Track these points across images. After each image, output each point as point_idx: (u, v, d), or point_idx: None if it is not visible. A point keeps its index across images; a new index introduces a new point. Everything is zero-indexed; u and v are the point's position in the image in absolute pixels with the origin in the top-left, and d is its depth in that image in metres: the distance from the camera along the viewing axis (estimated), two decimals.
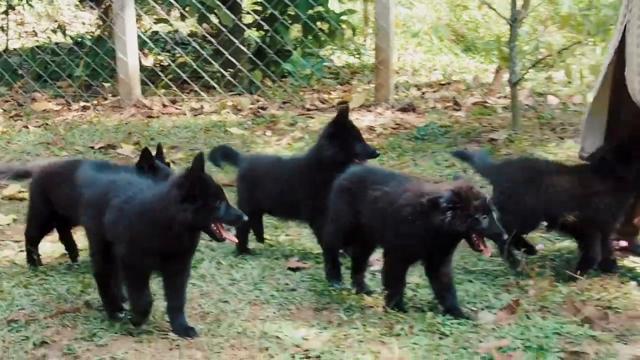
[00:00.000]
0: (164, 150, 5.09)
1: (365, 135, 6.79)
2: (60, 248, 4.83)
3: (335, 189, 4.17)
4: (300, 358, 3.60)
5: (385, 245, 4.04)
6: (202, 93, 8.27)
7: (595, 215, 4.31)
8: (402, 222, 3.85)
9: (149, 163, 4.39)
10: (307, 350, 3.65)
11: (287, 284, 4.34)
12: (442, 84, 8.67)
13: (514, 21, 6.77)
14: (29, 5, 10.25)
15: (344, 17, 8.93)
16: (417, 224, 3.79)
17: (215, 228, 3.61)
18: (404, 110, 7.55)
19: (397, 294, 3.95)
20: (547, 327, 3.69)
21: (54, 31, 10.00)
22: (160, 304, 3.97)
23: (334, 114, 7.45)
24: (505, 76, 7.24)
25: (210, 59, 8.70)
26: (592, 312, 3.87)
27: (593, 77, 6.77)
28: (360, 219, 4.04)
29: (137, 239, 3.66)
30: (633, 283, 4.20)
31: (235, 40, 8.29)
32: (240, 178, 4.93)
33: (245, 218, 3.68)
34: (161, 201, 3.60)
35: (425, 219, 3.76)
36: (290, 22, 8.60)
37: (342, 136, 4.59)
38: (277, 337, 3.77)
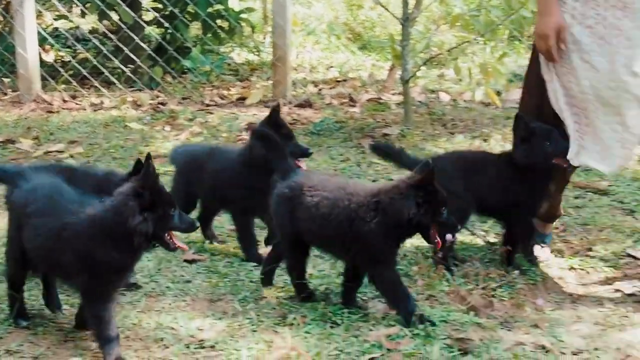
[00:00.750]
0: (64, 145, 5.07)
1: None
2: None
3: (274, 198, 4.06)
4: (195, 348, 3.64)
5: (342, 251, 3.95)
6: (102, 89, 8.21)
7: (518, 200, 4.45)
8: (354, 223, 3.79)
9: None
10: (201, 340, 3.71)
11: (182, 276, 4.40)
12: (339, 81, 8.74)
13: (406, 20, 6.87)
14: None
15: (243, 15, 8.94)
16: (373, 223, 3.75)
17: (168, 237, 3.46)
18: (301, 106, 7.60)
19: None
20: (435, 315, 3.81)
21: None
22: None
23: (232, 110, 7.53)
24: (399, 74, 7.32)
25: (110, 55, 8.65)
26: (477, 301, 4.00)
27: (482, 75, 6.92)
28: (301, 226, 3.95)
29: (98, 263, 3.40)
30: (516, 272, 4.34)
31: (135, 37, 8.27)
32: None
33: (198, 225, 3.64)
34: (117, 215, 3.35)
35: (384, 217, 3.74)
36: (190, 19, 8.59)
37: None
38: (172, 328, 3.81)
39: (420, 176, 3.73)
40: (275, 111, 4.68)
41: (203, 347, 3.64)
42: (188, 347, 3.64)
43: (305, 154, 4.71)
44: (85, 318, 3.58)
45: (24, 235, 3.58)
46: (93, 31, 9.50)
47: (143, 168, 3.38)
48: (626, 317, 3.95)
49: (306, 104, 7.72)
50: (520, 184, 4.43)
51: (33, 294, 4.04)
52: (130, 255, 3.44)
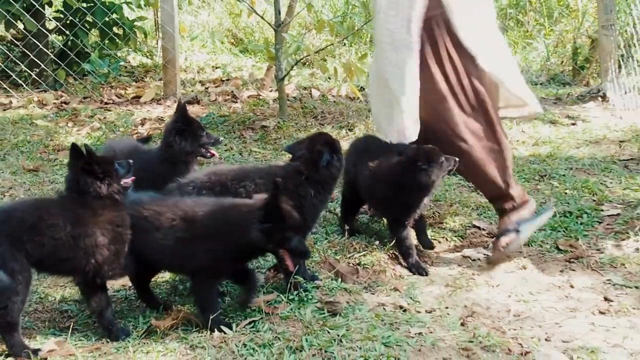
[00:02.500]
0: None
1: (155, 125, 6.78)
2: None
3: None
4: (95, 318, 3.55)
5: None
6: (10, 90, 7.98)
7: None
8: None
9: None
10: None
11: None
12: (223, 80, 8.68)
13: (279, 27, 6.83)
14: None
15: (137, 23, 8.83)
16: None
17: None
18: (189, 102, 7.48)
19: None
20: (307, 282, 3.77)
21: None
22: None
23: (129, 107, 7.42)
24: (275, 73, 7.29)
25: (17, 60, 8.45)
26: (344, 268, 4.01)
27: (346, 73, 6.92)
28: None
29: None
30: (377, 242, 4.34)
31: (39, 44, 8.08)
32: None
33: None
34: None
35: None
36: (88, 27, 8.41)
37: (188, 129, 4.46)
38: (76, 301, 3.78)
39: (263, 200, 3.38)
40: (182, 108, 4.54)
41: None
42: (90, 317, 3.56)
43: (217, 142, 4.67)
44: None
45: None
46: (1, 39, 9.28)
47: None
48: (472, 279, 4.02)
49: (194, 101, 7.64)
50: None
51: None
52: None
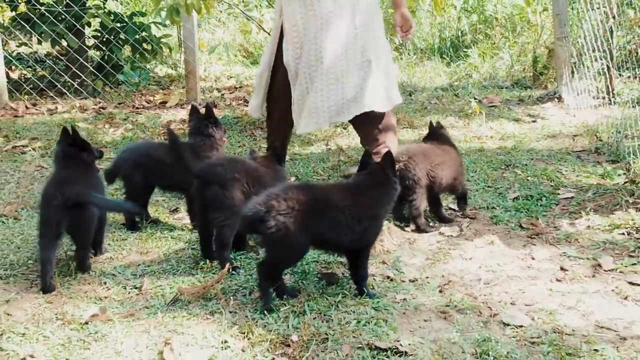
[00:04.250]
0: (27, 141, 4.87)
1: (179, 126, 6.77)
2: None
3: None
4: (130, 289, 3.58)
5: None
6: (56, 98, 7.96)
7: None
8: None
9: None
10: (135, 283, 3.63)
11: (120, 235, 4.28)
12: (236, 87, 8.66)
13: None
14: None
15: (163, 40, 8.80)
16: None
17: None
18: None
19: None
20: (308, 257, 3.79)
21: None
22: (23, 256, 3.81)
23: (156, 111, 7.41)
24: None
25: (61, 72, 8.45)
26: None
27: None
28: None
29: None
30: None
31: (80, 58, 8.08)
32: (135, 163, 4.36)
33: None
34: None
35: None
36: (122, 44, 8.39)
37: (217, 122, 4.49)
38: (113, 275, 3.75)
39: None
40: (209, 108, 4.52)
41: (136, 288, 3.58)
42: (125, 288, 3.57)
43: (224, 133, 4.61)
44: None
45: None
46: (48, 54, 9.27)
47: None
48: (448, 253, 4.02)
49: (212, 105, 7.62)
50: None
51: (4, 249, 3.88)
52: None
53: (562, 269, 3.75)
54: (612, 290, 3.49)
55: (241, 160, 4.00)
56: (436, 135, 4.74)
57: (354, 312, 3.26)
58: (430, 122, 4.84)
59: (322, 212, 3.29)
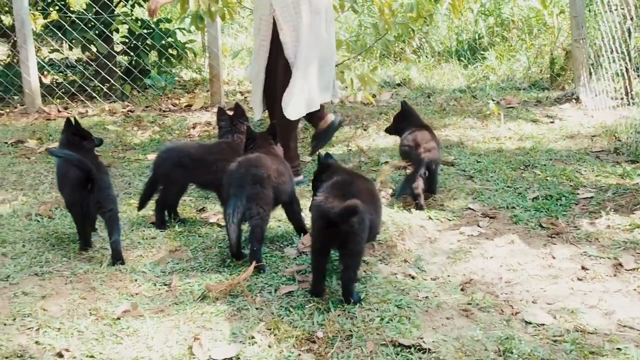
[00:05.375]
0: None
1: (204, 128, 6.78)
2: None
3: None
4: (159, 285, 3.58)
5: None
6: (86, 102, 8.01)
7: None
8: None
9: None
10: (164, 280, 3.64)
11: (149, 234, 4.27)
12: None
13: None
14: None
15: (188, 45, 8.84)
16: None
17: None
18: (231, 109, 7.47)
19: None
20: (331, 257, 3.74)
21: None
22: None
23: (182, 114, 7.44)
24: None
25: (91, 77, 8.50)
26: None
27: (360, 83, 6.90)
28: None
29: None
30: (389, 221, 4.31)
31: (109, 63, 8.14)
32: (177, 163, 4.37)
33: None
34: None
35: None
36: (149, 49, 8.44)
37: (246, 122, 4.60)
38: (143, 272, 3.75)
39: None
40: (239, 107, 4.68)
41: (166, 284, 3.58)
42: (155, 285, 3.58)
43: None
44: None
45: None
46: (78, 60, 9.34)
47: None
48: (469, 252, 3.98)
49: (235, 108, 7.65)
50: None
51: (40, 246, 3.91)
52: None
53: (583, 268, 3.70)
54: (634, 289, 3.44)
55: (262, 156, 3.98)
56: (412, 116, 5.09)
57: (377, 309, 3.24)
58: (404, 101, 5.22)
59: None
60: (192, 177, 4.41)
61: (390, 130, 5.23)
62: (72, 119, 4.14)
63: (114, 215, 3.85)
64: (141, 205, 4.51)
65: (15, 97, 8.20)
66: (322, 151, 4.43)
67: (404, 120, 5.04)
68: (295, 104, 4.94)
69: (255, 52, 5.12)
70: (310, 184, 3.99)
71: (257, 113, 5.24)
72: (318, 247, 3.35)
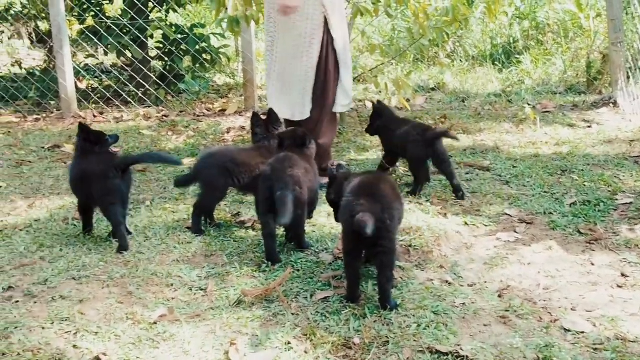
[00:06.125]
0: None
1: (238, 133, 6.81)
2: (22, 219, 4.66)
3: None
4: (195, 290, 3.59)
5: None
6: (121, 106, 8.10)
7: None
8: None
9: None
10: (200, 284, 3.65)
11: (185, 239, 4.29)
12: None
13: None
14: None
15: (221, 50, 8.88)
16: None
17: None
18: (264, 114, 7.50)
19: None
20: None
21: (13, 65, 9.60)
22: (94, 258, 3.86)
23: (216, 119, 7.49)
24: None
25: (126, 82, 8.58)
26: (398, 249, 3.93)
27: (395, 88, 6.87)
28: None
29: None
30: (425, 227, 4.28)
31: (144, 69, 8.20)
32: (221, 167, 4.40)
33: None
34: None
35: None
36: (183, 54, 8.50)
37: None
38: (179, 277, 3.76)
39: None
40: (273, 111, 4.70)
41: (202, 289, 3.60)
42: (191, 290, 3.60)
43: None
44: None
45: None
46: (113, 65, 9.44)
47: None
48: (506, 258, 3.94)
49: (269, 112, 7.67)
50: None
51: (77, 250, 3.96)
52: None
53: (622, 275, 3.64)
54: None
55: (295, 157, 4.07)
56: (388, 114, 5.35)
57: (413, 315, 3.22)
58: (377, 101, 5.50)
59: None
60: (235, 182, 4.43)
61: (370, 131, 5.45)
62: (83, 125, 4.27)
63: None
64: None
65: (52, 102, 8.33)
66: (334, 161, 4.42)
67: (379, 119, 5.31)
68: (346, 97, 5.15)
69: (296, 54, 5.00)
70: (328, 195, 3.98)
71: (302, 113, 5.07)
72: (351, 249, 3.34)
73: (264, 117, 4.72)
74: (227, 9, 6.41)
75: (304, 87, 5.01)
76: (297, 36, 4.95)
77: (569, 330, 3.10)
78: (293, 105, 5.07)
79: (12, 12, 9.65)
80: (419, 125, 5.26)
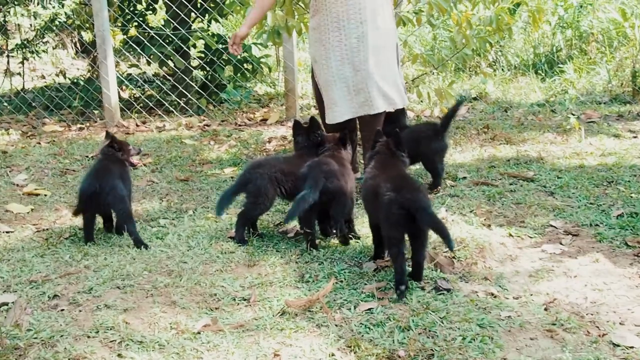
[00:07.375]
0: (138, 157, 5.03)
1: (279, 142, 6.82)
2: (67, 227, 4.72)
3: None
4: (238, 300, 3.59)
5: None
6: (164, 116, 8.20)
7: None
8: None
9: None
10: (243, 294, 3.64)
11: (228, 248, 4.30)
12: None
13: None
14: (39, 56, 9.99)
15: (263, 60, 8.95)
16: None
17: None
18: (306, 124, 7.53)
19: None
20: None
21: (57, 75, 9.81)
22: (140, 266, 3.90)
23: (258, 128, 7.52)
24: None
25: (169, 92, 8.68)
26: (442, 260, 3.91)
27: (437, 97, 6.84)
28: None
29: None
30: (469, 238, 4.23)
31: (186, 78, 8.29)
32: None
33: None
34: None
35: None
36: (225, 64, 8.58)
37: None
38: (222, 286, 3.76)
39: None
40: (315, 120, 4.79)
41: (245, 299, 3.59)
42: (234, 300, 3.59)
43: None
44: None
45: None
46: (156, 75, 9.56)
47: None
48: (552, 270, 3.87)
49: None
50: None
51: (120, 259, 3.99)
52: None
53: None
54: None
55: (331, 161, 4.34)
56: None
57: (458, 328, 3.18)
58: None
59: None
60: (282, 192, 4.46)
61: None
62: (109, 134, 4.72)
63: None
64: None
65: (95, 112, 8.47)
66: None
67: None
68: (400, 92, 5.33)
69: (386, 44, 5.23)
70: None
71: (403, 98, 5.39)
72: (401, 236, 3.56)
73: (305, 125, 4.76)
74: (267, 19, 6.46)
75: (372, 84, 5.16)
76: (385, 30, 5.21)
77: (618, 345, 3.03)
78: (394, 93, 5.28)
79: (56, 22, 9.85)
80: (425, 124, 5.62)
